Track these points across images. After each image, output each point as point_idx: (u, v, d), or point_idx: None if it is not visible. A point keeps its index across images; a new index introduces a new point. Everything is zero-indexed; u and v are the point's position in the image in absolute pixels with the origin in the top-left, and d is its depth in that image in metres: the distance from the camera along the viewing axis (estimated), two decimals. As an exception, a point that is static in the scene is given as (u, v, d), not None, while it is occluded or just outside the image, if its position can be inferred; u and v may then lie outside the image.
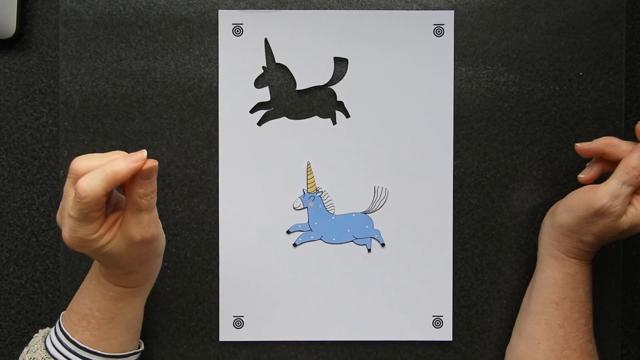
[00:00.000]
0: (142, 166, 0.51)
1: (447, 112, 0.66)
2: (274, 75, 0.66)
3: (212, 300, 0.66)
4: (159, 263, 0.59)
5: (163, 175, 0.66)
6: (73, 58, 0.66)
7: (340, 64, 0.66)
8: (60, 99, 0.66)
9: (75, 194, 0.50)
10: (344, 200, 0.66)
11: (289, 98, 0.66)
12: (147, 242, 0.54)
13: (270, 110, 0.66)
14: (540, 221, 0.66)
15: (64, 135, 0.66)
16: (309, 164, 0.66)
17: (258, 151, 0.66)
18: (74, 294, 0.60)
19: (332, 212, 0.66)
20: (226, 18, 0.66)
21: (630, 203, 0.58)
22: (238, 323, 0.66)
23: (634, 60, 0.68)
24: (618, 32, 0.66)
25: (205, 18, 0.66)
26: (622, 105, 0.66)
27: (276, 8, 0.66)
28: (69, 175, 0.53)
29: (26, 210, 0.68)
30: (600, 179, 0.61)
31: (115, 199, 0.56)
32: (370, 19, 0.66)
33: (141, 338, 0.64)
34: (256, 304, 0.66)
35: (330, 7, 0.66)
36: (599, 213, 0.57)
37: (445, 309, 0.66)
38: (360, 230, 0.66)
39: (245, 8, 0.66)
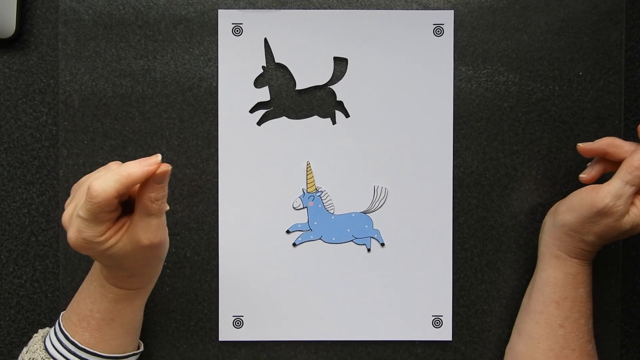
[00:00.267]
0: (156, 170, 0.51)
1: (446, 111, 0.66)
2: (274, 75, 0.66)
3: (211, 300, 0.66)
4: (161, 266, 0.59)
5: (163, 175, 0.66)
6: (72, 57, 0.65)
7: (340, 64, 0.66)
8: (60, 99, 0.66)
9: (87, 193, 0.50)
10: (344, 200, 0.66)
11: (288, 98, 0.66)
12: (154, 247, 0.54)
13: (269, 110, 0.66)
14: (540, 221, 0.66)
15: (63, 134, 0.66)
16: (308, 164, 0.66)
17: (258, 151, 0.66)
18: (73, 294, 0.60)
19: (331, 211, 0.66)
20: (226, 18, 0.66)
21: (632, 203, 0.58)
22: (238, 323, 0.66)
23: (634, 60, 0.68)
24: (617, 32, 0.66)
25: (204, 18, 0.66)
26: (622, 105, 0.66)
27: (276, 8, 0.66)
28: (81, 179, 0.53)
29: (26, 210, 0.68)
30: (601, 179, 0.61)
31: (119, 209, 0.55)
32: (370, 19, 0.66)
33: (141, 338, 0.64)
34: (256, 304, 0.66)
35: (330, 7, 0.66)
36: (602, 213, 0.57)
37: (445, 308, 0.66)
38: (359, 230, 0.66)
39: (245, 8, 0.66)
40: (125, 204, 0.55)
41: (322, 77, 0.66)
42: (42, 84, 0.67)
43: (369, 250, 0.66)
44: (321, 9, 0.66)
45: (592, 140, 0.61)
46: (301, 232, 0.66)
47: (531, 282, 0.64)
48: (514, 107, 0.66)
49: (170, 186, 0.65)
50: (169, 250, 0.64)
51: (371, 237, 0.66)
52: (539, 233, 0.65)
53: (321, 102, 0.66)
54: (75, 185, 0.55)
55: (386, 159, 0.66)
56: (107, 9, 0.66)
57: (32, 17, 0.67)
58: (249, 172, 0.66)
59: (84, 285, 0.59)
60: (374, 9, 0.66)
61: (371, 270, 0.66)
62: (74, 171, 0.66)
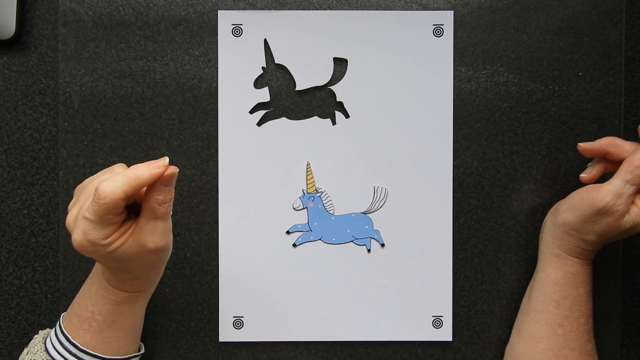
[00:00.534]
0: (164, 172, 0.51)
1: (446, 112, 0.66)
2: (274, 75, 0.66)
3: (211, 300, 0.66)
4: (163, 269, 0.59)
5: (163, 176, 0.66)
6: (72, 58, 0.65)
7: (340, 65, 0.66)
8: (60, 100, 0.66)
9: (94, 195, 0.49)
10: (344, 201, 0.66)
11: (288, 98, 0.66)
12: (159, 251, 0.54)
13: (269, 111, 0.66)
14: (540, 221, 0.66)
15: (63, 135, 0.66)
16: (308, 165, 0.66)
17: (258, 152, 0.66)
18: (73, 295, 0.60)
19: (331, 212, 0.66)
20: (226, 18, 0.66)
21: (633, 202, 0.58)
22: (238, 323, 0.66)
23: (633, 60, 0.68)
24: (617, 32, 0.66)
25: (204, 18, 0.66)
26: (622, 105, 0.66)
27: (276, 8, 0.66)
28: (85, 182, 0.53)
29: (26, 211, 0.68)
30: (601, 179, 0.61)
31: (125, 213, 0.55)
32: (370, 20, 0.66)
33: (141, 339, 0.64)
34: (256, 305, 0.66)
35: (330, 8, 0.66)
36: (602, 212, 0.57)
37: (445, 309, 0.66)
38: (360, 231, 0.66)
39: (245, 8, 0.66)
40: (131, 208, 0.55)
41: (322, 77, 0.66)
42: (42, 85, 0.67)
43: (369, 250, 0.66)
44: (321, 9, 0.66)
45: (592, 140, 0.61)
46: (301, 233, 0.66)
47: (531, 281, 0.64)
48: (514, 108, 0.66)
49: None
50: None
51: (371, 237, 0.66)
52: (539, 233, 0.65)
53: (321, 103, 0.66)
54: (79, 187, 0.55)
55: (386, 159, 0.66)
56: (107, 10, 0.66)
57: (32, 18, 0.67)
58: (249, 173, 0.66)
59: (85, 287, 0.59)
60: (373, 10, 0.66)
61: (371, 271, 0.66)
62: (74, 172, 0.66)
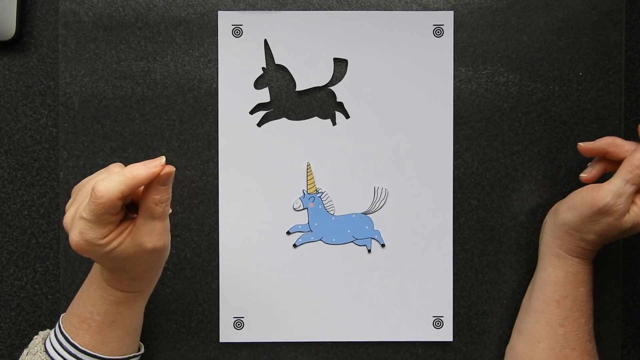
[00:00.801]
0: (161, 172, 0.51)
1: (446, 112, 0.66)
2: (274, 76, 0.66)
3: (212, 301, 0.66)
4: (161, 269, 0.59)
5: (163, 177, 0.66)
6: (73, 59, 0.66)
7: (340, 65, 0.66)
8: (60, 101, 0.66)
9: (91, 194, 0.49)
10: (344, 201, 0.66)
11: (288, 99, 0.66)
12: (157, 251, 0.54)
13: (270, 111, 0.66)
14: (540, 221, 0.66)
15: (63, 136, 0.66)
16: (308, 165, 0.66)
17: (258, 152, 0.66)
18: (74, 296, 0.60)
19: (332, 212, 0.66)
20: (226, 19, 0.66)
21: (633, 202, 0.58)
22: (238, 324, 0.66)
23: (633, 60, 0.68)
24: (617, 32, 0.66)
25: (204, 19, 0.66)
26: (622, 105, 0.66)
27: (276, 9, 0.66)
28: (82, 182, 0.53)
29: (26, 212, 0.68)
30: (602, 178, 0.61)
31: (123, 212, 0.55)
32: (370, 20, 0.66)
33: (141, 339, 0.64)
34: (256, 305, 0.66)
35: (330, 8, 0.66)
36: (602, 211, 0.58)
37: (446, 309, 0.66)
38: (360, 231, 0.66)
39: (245, 9, 0.66)
40: (131, 207, 0.55)
41: (322, 78, 0.66)
42: (42, 85, 0.67)
43: (369, 251, 0.66)
44: (321, 10, 0.66)
45: (592, 140, 0.61)
46: (301, 233, 0.66)
47: (532, 281, 0.64)
48: (514, 108, 0.66)
49: (171, 188, 0.65)
50: (169, 252, 0.65)
51: (372, 238, 0.66)
52: (539, 233, 0.65)
53: (321, 103, 0.66)
54: (76, 187, 0.55)
55: (386, 159, 0.66)
56: (107, 11, 0.66)
57: (32, 19, 0.67)
58: (249, 174, 0.66)
59: (84, 287, 0.59)
60: (373, 10, 0.66)
61: (372, 271, 0.66)
62: (74, 173, 0.66)
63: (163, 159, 0.52)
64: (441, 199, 0.66)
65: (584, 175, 0.62)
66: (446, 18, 0.66)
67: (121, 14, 0.66)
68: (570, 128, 0.66)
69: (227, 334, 0.66)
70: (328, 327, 0.66)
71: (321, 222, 0.66)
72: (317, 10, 0.66)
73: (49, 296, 0.68)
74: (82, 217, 0.50)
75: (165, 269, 0.65)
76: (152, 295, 0.61)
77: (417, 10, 0.66)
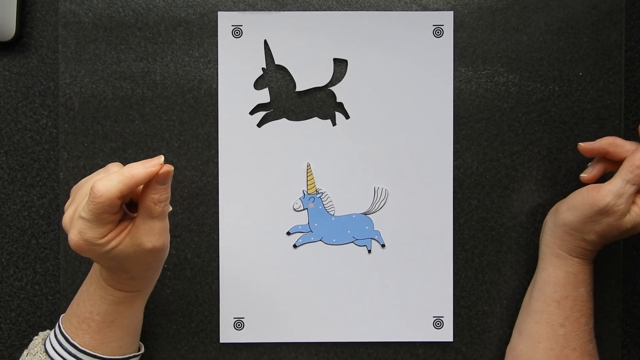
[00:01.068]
0: (159, 171, 0.51)
1: (446, 112, 0.66)
2: (274, 76, 0.66)
3: (212, 301, 0.66)
4: (161, 268, 0.59)
5: (163, 177, 0.66)
6: (72, 60, 0.66)
7: (340, 65, 0.66)
8: (60, 101, 0.66)
9: (90, 194, 0.50)
10: (344, 201, 0.66)
11: (288, 99, 0.66)
12: (156, 251, 0.54)
13: (270, 112, 0.66)
14: (540, 221, 0.66)
15: (63, 137, 0.66)
16: (308, 165, 0.66)
17: (258, 153, 0.66)
18: (74, 296, 0.60)
19: (332, 213, 0.66)
20: (226, 19, 0.66)
21: (633, 202, 0.58)
22: (238, 325, 0.66)
23: (633, 60, 0.68)
24: (617, 32, 0.66)
25: (204, 20, 0.66)
26: (622, 105, 0.66)
27: (275, 9, 0.66)
28: (80, 182, 0.53)
29: (26, 213, 0.68)
30: (602, 179, 0.61)
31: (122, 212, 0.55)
32: (370, 20, 0.66)
33: (141, 340, 0.64)
34: (257, 306, 0.66)
35: (330, 8, 0.66)
36: (603, 212, 0.58)
37: (446, 309, 0.66)
38: (360, 231, 0.66)
39: (245, 9, 0.66)
40: (128, 207, 0.55)
41: (322, 78, 0.66)
42: (42, 86, 0.67)
43: (369, 251, 0.66)
44: (321, 10, 0.66)
45: (592, 140, 0.61)
46: (302, 234, 0.66)
47: (532, 281, 0.64)
48: (514, 108, 0.66)
49: (170, 188, 0.65)
50: (169, 252, 0.65)
51: (372, 238, 0.66)
52: (539, 233, 0.65)
53: (321, 104, 0.66)
54: (75, 187, 0.55)
55: (386, 160, 0.66)
56: (107, 12, 0.66)
57: (32, 19, 0.67)
58: (249, 174, 0.66)
59: (83, 287, 0.59)
60: (373, 10, 0.66)
61: (372, 272, 0.66)
62: (74, 173, 0.66)
63: (161, 158, 0.52)
64: (441, 199, 0.66)
65: (584, 175, 0.62)
66: (446, 18, 0.66)
67: (121, 14, 0.66)
68: (570, 128, 0.66)
69: (227, 335, 0.66)
70: (328, 328, 0.66)
71: (321, 223, 0.66)
72: (317, 10, 0.66)
73: (49, 297, 0.68)
74: (81, 217, 0.50)
75: (165, 269, 0.65)
76: (152, 295, 0.61)
77: (416, 10, 0.66)
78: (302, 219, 0.66)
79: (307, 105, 0.66)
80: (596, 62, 0.66)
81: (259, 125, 0.66)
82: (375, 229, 0.66)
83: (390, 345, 0.67)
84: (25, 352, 0.59)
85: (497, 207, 0.66)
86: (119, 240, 0.52)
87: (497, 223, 0.67)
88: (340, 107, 0.66)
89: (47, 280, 0.68)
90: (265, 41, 0.66)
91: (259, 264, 0.66)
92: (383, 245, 0.66)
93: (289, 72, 0.66)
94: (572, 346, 0.61)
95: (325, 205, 0.66)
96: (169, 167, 0.52)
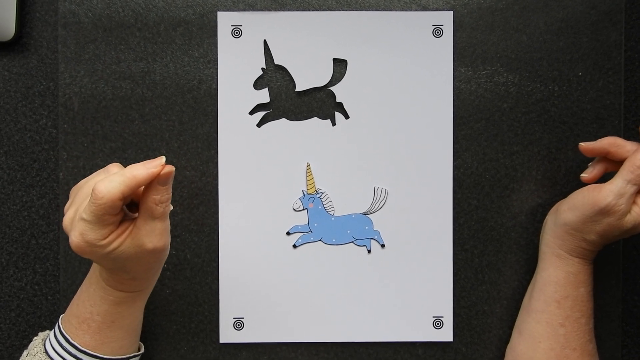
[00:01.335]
0: (161, 171, 0.51)
1: (446, 112, 0.66)
2: (273, 76, 0.66)
3: (212, 302, 0.66)
4: (161, 269, 0.59)
5: (163, 177, 0.66)
6: (72, 60, 0.66)
7: (340, 65, 0.66)
8: (60, 101, 0.66)
9: (91, 195, 0.49)
10: (344, 201, 0.66)
11: (288, 99, 0.66)
12: (157, 251, 0.54)
13: (269, 112, 0.66)
14: (540, 221, 0.66)
15: (63, 137, 0.66)
16: (308, 165, 0.66)
17: (257, 153, 0.66)
18: (73, 297, 0.60)
19: (331, 213, 0.66)
20: (225, 20, 0.66)
21: (634, 202, 0.58)
22: (238, 325, 0.66)
23: (633, 60, 0.68)
24: (617, 32, 0.66)
25: (204, 20, 0.66)
26: (621, 105, 0.66)
27: (275, 9, 0.66)
28: (80, 183, 0.54)
29: (26, 213, 0.68)
30: (602, 179, 0.61)
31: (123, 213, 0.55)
32: (369, 20, 0.66)
33: (141, 340, 0.64)
34: (256, 306, 0.66)
35: (329, 9, 0.66)
36: (604, 211, 0.58)
37: (446, 309, 0.66)
38: (360, 231, 0.66)
39: (244, 9, 0.66)
40: (129, 208, 0.55)
41: (321, 78, 0.66)
42: (42, 86, 0.67)
43: (369, 251, 0.66)
44: (320, 10, 0.66)
45: (592, 140, 0.61)
46: (301, 234, 0.66)
47: (532, 281, 0.64)
48: (514, 108, 0.66)
49: (171, 188, 0.65)
50: (169, 252, 0.65)
51: (371, 238, 0.66)
52: (539, 233, 0.65)
53: (321, 104, 0.66)
54: (74, 188, 0.55)
55: (386, 160, 0.66)
56: (107, 12, 0.66)
57: (32, 19, 0.67)
58: (249, 174, 0.66)
59: (83, 288, 0.59)
60: (373, 10, 0.66)
61: (371, 272, 0.66)
62: (74, 174, 0.66)
63: (163, 159, 0.52)
64: (441, 199, 0.66)
65: (584, 175, 0.62)
66: (445, 18, 0.66)
67: (120, 14, 0.66)
68: (569, 128, 0.66)
69: (227, 335, 0.66)
70: (328, 328, 0.66)
71: (321, 223, 0.66)
72: (317, 10, 0.66)
73: (49, 297, 0.68)
74: (82, 219, 0.50)
75: (165, 269, 0.65)
76: (152, 295, 0.61)
77: (416, 10, 0.66)
78: (302, 219, 0.66)
79: (306, 105, 0.66)
80: (596, 62, 0.66)
81: (259, 125, 0.66)
82: (375, 229, 0.66)
83: (390, 345, 0.67)
84: (25, 353, 0.59)
85: (496, 207, 0.66)
86: (120, 241, 0.52)
87: (497, 223, 0.67)
88: (340, 107, 0.66)
89: (47, 280, 0.68)
90: (264, 41, 0.66)
91: (259, 264, 0.66)
92: (383, 245, 0.66)
93: (288, 72, 0.66)
94: (572, 346, 0.61)
95: (325, 205, 0.66)
96: (171, 168, 0.52)
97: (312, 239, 0.66)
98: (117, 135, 0.66)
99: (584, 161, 0.64)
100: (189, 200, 0.66)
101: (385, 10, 0.66)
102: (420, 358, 0.67)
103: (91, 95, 0.66)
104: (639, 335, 0.69)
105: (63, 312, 0.62)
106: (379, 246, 0.66)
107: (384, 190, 0.66)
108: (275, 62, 0.66)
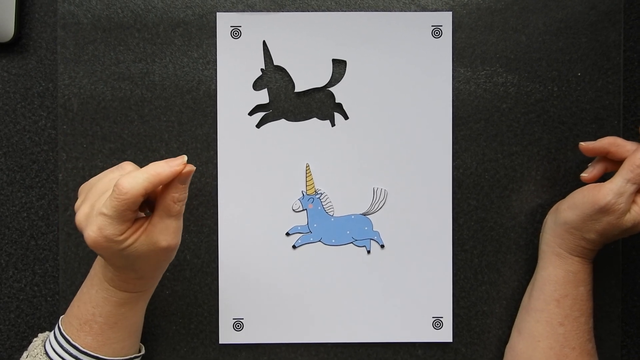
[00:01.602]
0: (183, 170, 0.52)
1: (445, 113, 0.66)
2: (273, 77, 0.66)
3: (211, 302, 0.66)
4: (165, 269, 0.59)
5: (162, 178, 0.66)
6: (71, 61, 0.66)
7: (339, 66, 0.66)
8: (59, 102, 0.66)
9: (114, 190, 0.50)
10: (343, 202, 0.66)
11: (287, 100, 0.66)
12: (170, 250, 0.55)
13: (268, 113, 0.66)
14: (539, 221, 0.66)
15: (62, 138, 0.66)
16: (308, 166, 0.66)
17: (257, 153, 0.66)
18: (73, 298, 0.60)
19: (331, 213, 0.66)
20: (224, 20, 0.66)
21: (634, 201, 0.59)
22: (238, 325, 0.66)
23: (632, 61, 0.68)
24: (616, 33, 0.66)
25: (203, 20, 0.66)
26: (620, 106, 0.66)
27: (274, 10, 0.66)
28: (91, 181, 0.54)
29: (25, 214, 0.67)
30: (602, 179, 0.61)
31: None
32: (369, 21, 0.66)
33: (141, 341, 0.63)
34: (256, 306, 0.66)
35: (328, 9, 0.66)
36: (604, 210, 0.58)
37: (445, 310, 0.66)
38: (359, 232, 0.66)
39: (244, 10, 0.66)
40: (145, 204, 0.56)
41: (320, 79, 0.66)
42: (41, 87, 0.67)
43: (368, 252, 0.66)
44: (319, 11, 0.66)
45: (591, 140, 0.62)
46: (301, 234, 0.66)
47: (532, 280, 0.64)
48: (513, 108, 0.66)
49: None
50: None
51: (371, 238, 0.66)
52: (539, 234, 0.65)
53: (320, 104, 0.66)
54: (84, 186, 0.55)
55: (385, 160, 0.66)
56: (106, 13, 0.66)
57: (31, 20, 0.67)
58: (248, 175, 0.66)
59: (83, 289, 0.58)
60: (372, 11, 0.66)
61: (371, 272, 0.66)
62: (73, 175, 0.66)
63: (185, 157, 0.53)
64: (440, 199, 0.66)
65: (584, 175, 0.63)
66: (445, 19, 0.66)
67: (120, 15, 0.66)
68: (569, 128, 0.66)
69: (227, 336, 0.66)
70: (328, 329, 0.66)
71: (320, 223, 0.66)
72: (316, 11, 0.66)
73: (49, 298, 0.68)
74: (102, 213, 0.51)
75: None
76: (152, 296, 0.61)
77: (415, 11, 0.66)
78: (302, 219, 0.66)
79: (306, 106, 0.66)
80: (595, 62, 0.66)
81: (258, 126, 0.66)
82: (374, 229, 0.66)
83: (389, 346, 0.67)
84: (25, 354, 0.59)
85: (496, 207, 0.67)
86: (135, 237, 0.53)
87: (496, 223, 0.67)
88: (339, 108, 0.66)
89: (46, 281, 0.68)
90: (264, 42, 0.66)
91: (258, 265, 0.66)
92: (382, 246, 0.66)
93: (287, 73, 0.66)
94: (571, 345, 0.61)
95: (324, 206, 0.66)
96: (192, 167, 0.53)
97: (311, 239, 0.66)
98: (116, 136, 0.66)
99: (584, 161, 0.64)
100: (189, 201, 0.66)
101: (384, 11, 0.66)
102: (419, 358, 0.67)
103: (90, 96, 0.66)
104: (638, 335, 0.69)
105: (63, 313, 0.62)
106: (379, 247, 0.66)
107: (383, 191, 0.66)
108: (275, 63, 0.66)
